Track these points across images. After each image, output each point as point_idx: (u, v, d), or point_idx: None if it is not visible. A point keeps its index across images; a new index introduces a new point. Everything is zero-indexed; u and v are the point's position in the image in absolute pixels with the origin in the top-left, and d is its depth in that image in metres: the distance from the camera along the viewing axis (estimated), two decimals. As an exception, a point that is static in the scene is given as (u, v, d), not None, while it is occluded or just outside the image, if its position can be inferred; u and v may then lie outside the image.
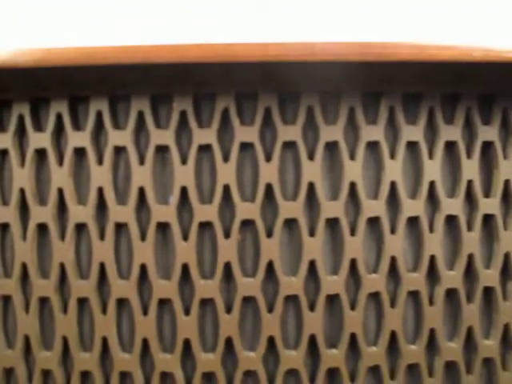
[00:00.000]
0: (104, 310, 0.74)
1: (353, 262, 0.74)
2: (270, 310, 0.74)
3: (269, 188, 0.73)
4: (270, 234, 0.73)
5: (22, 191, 0.75)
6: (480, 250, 0.76)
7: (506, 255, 0.77)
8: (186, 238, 0.73)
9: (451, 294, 0.76)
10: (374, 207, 0.73)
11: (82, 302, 0.75)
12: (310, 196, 0.74)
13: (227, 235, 0.73)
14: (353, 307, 0.74)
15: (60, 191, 0.74)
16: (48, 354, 0.75)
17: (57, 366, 0.75)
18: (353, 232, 0.74)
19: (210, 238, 0.73)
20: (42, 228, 0.75)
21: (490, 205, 0.76)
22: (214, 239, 0.73)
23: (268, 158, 0.73)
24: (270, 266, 0.73)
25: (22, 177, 0.74)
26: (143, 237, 0.74)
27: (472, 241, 0.75)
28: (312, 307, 0.74)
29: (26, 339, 0.76)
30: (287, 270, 0.74)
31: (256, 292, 0.73)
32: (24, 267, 0.75)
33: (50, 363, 0.75)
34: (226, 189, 0.73)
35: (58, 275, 0.74)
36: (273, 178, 0.72)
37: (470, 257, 0.76)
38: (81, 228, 0.75)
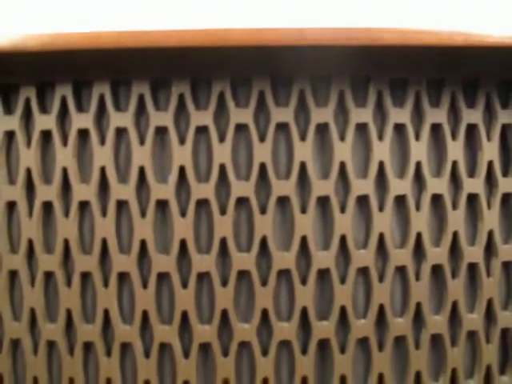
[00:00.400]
0: (106, 284, 0.78)
1: (342, 239, 0.77)
2: (264, 283, 0.77)
3: (262, 167, 0.77)
4: (263, 211, 0.77)
5: (29, 171, 0.79)
6: (464, 228, 0.80)
7: (490, 233, 0.80)
8: (183, 214, 0.77)
9: (437, 269, 0.80)
10: (362, 186, 0.77)
11: (85, 276, 0.79)
12: (302, 175, 0.77)
13: (223, 212, 0.77)
14: (343, 281, 0.78)
15: (64, 171, 0.78)
16: (52, 325, 0.79)
17: (61, 337, 0.78)
18: (343, 210, 0.77)
19: (206, 215, 0.77)
20: (47, 206, 0.79)
21: (474, 185, 0.79)
22: (210, 216, 0.77)
23: (262, 139, 0.77)
24: (264, 242, 0.77)
25: (28, 157, 0.78)
26: (143, 214, 0.77)
27: (457, 219, 0.79)
28: (304, 281, 0.77)
29: (32, 312, 0.79)
30: (280, 245, 0.78)
31: (250, 266, 0.76)
32: (30, 243, 0.79)
33: (54, 334, 0.79)
34: (222, 168, 0.77)
35: (62, 251, 0.78)
36: (266, 157, 0.76)
37: (455, 234, 0.79)
38: (84, 206, 0.78)
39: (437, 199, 0.79)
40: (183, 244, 0.77)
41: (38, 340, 0.80)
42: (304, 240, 0.77)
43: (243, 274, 0.77)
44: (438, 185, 0.78)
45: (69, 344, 0.79)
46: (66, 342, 0.79)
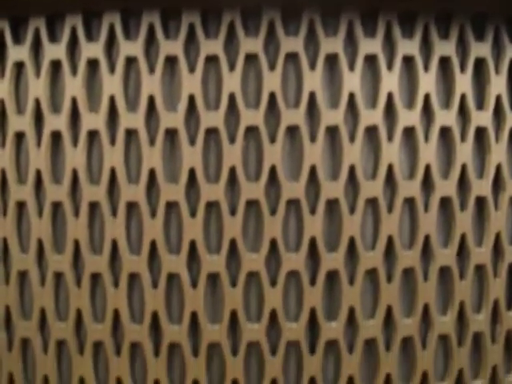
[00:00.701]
0: (114, 213, 0.78)
1: (351, 169, 0.77)
2: (273, 212, 0.77)
3: (272, 96, 0.77)
4: (272, 140, 0.77)
5: (37, 101, 0.79)
6: (473, 161, 0.80)
7: (498, 167, 0.81)
8: (192, 143, 0.77)
9: (445, 202, 0.80)
10: (372, 116, 0.77)
11: (93, 207, 0.78)
12: (311, 105, 0.77)
13: (232, 141, 0.77)
14: (352, 211, 0.78)
15: (73, 100, 0.78)
16: (60, 257, 0.78)
17: (68, 268, 0.78)
18: (352, 139, 0.78)
19: (215, 144, 0.77)
20: (56, 135, 0.79)
21: (483, 118, 0.80)
22: (219, 145, 0.77)
23: (271, 68, 0.77)
24: (273, 171, 0.77)
25: (37, 87, 0.78)
26: (152, 142, 0.77)
27: (465, 151, 0.79)
28: (313, 211, 0.77)
29: (39, 243, 0.79)
30: (289, 175, 0.77)
31: (259, 195, 0.76)
32: (38, 174, 0.79)
33: (61, 266, 0.78)
34: (232, 97, 0.77)
35: (70, 180, 0.78)
36: (276, 87, 0.76)
37: (464, 167, 0.80)
38: (93, 135, 0.78)
39: (445, 132, 0.79)
40: (192, 173, 0.77)
41: (45, 272, 0.80)
42: (313, 170, 0.77)
43: (252, 203, 0.77)
44: (446, 117, 0.79)
45: (76, 275, 0.79)
46: (73, 273, 0.78)
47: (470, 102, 0.79)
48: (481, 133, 0.80)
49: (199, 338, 0.78)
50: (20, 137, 0.80)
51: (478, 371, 0.82)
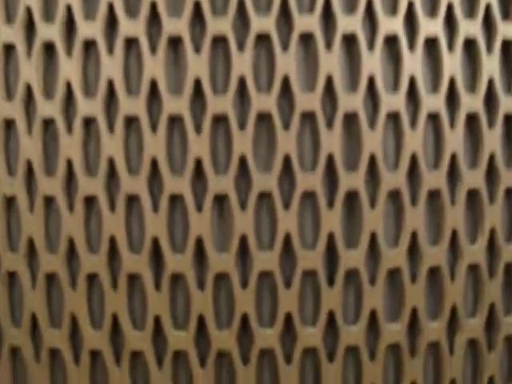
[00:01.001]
0: (111, 129, 0.71)
1: (371, 80, 0.71)
2: (286, 127, 0.70)
3: (284, 1, 0.71)
4: (285, 48, 0.71)
5: (28, 10, 0.72)
6: (500, 76, 0.74)
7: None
8: (198, 51, 0.70)
9: (472, 118, 0.74)
10: (391, 24, 0.71)
11: (89, 122, 0.72)
12: (326, 11, 0.71)
13: (241, 48, 0.71)
14: (372, 126, 0.71)
15: (68, 8, 0.71)
16: (51, 179, 0.71)
17: (60, 192, 0.70)
18: (371, 47, 0.71)
19: (223, 52, 0.71)
20: (49, 46, 0.72)
21: (510, 29, 0.74)
22: (227, 53, 0.71)
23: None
24: (286, 81, 0.70)
25: (29, -5, 0.72)
26: (153, 50, 0.71)
27: (491, 64, 0.73)
28: (330, 124, 0.71)
29: (28, 164, 0.72)
30: (303, 86, 0.71)
31: (271, 107, 0.69)
32: (28, 88, 0.72)
33: (53, 188, 0.71)
34: (241, 2, 0.70)
35: (63, 95, 0.71)
36: (288, -9, 0.71)
37: (490, 81, 0.73)
38: (89, 44, 0.72)
39: (470, 43, 0.74)
40: (197, 84, 0.70)
41: (34, 196, 0.72)
42: (329, 80, 0.71)
43: (263, 116, 0.71)
44: (470, 26, 0.73)
45: (68, 199, 0.71)
46: (65, 196, 0.71)
47: (496, 12, 0.74)
48: (508, 46, 0.75)
49: (205, 267, 0.70)
50: (9, 48, 0.73)
51: (511, 306, 0.75)
